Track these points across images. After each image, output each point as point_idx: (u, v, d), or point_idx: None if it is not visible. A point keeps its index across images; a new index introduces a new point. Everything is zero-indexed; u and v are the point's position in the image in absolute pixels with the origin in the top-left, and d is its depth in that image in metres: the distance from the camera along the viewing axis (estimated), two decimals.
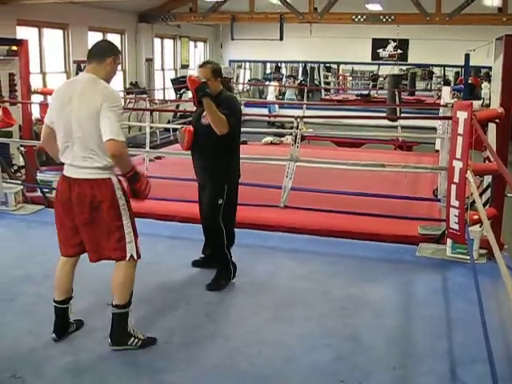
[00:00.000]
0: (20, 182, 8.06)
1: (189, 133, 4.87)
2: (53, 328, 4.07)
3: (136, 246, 3.88)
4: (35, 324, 4.31)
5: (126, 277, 3.88)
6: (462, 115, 5.22)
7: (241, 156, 5.20)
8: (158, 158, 10.67)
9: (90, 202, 3.71)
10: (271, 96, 20.48)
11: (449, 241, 5.85)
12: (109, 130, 3.58)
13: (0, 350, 3.97)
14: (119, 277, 3.88)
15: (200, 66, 4.93)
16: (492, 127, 5.81)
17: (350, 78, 30.03)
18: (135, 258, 3.88)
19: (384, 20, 14.87)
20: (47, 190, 7.76)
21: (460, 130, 5.21)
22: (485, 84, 19.31)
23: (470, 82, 19.03)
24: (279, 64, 26.59)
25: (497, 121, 5.51)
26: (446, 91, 11.90)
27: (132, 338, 3.96)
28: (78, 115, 3.64)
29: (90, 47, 3.88)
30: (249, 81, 24.96)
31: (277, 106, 19.75)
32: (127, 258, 3.84)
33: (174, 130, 11.72)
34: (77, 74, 13.94)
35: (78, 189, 3.72)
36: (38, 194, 7.78)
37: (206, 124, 4.76)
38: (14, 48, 10.10)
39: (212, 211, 4.97)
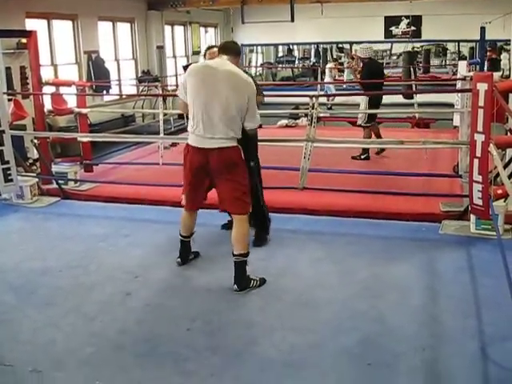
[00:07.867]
0: (35, 174, 8.02)
1: None
2: (178, 255, 5.09)
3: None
4: (55, 316, 4.26)
5: (247, 228, 4.65)
6: (482, 87, 5.10)
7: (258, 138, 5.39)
8: (173, 145, 10.56)
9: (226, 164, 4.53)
10: (329, 79, 19.11)
11: (472, 217, 5.73)
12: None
13: (20, 343, 3.92)
14: (243, 229, 4.61)
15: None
16: None
17: None
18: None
19: None
20: (62, 182, 7.71)
21: (481, 103, 5.11)
22: (504, 55, 18.91)
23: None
24: (291, 46, 26.36)
25: None
26: (463, 66, 11.66)
27: (252, 281, 4.63)
28: (225, 95, 4.40)
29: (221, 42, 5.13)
30: (261, 64, 24.74)
31: (332, 86, 18.46)
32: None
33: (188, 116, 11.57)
34: (88, 64, 13.89)
35: (217, 155, 4.49)
36: (54, 185, 7.72)
37: None
38: (24, 41, 10.05)
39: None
